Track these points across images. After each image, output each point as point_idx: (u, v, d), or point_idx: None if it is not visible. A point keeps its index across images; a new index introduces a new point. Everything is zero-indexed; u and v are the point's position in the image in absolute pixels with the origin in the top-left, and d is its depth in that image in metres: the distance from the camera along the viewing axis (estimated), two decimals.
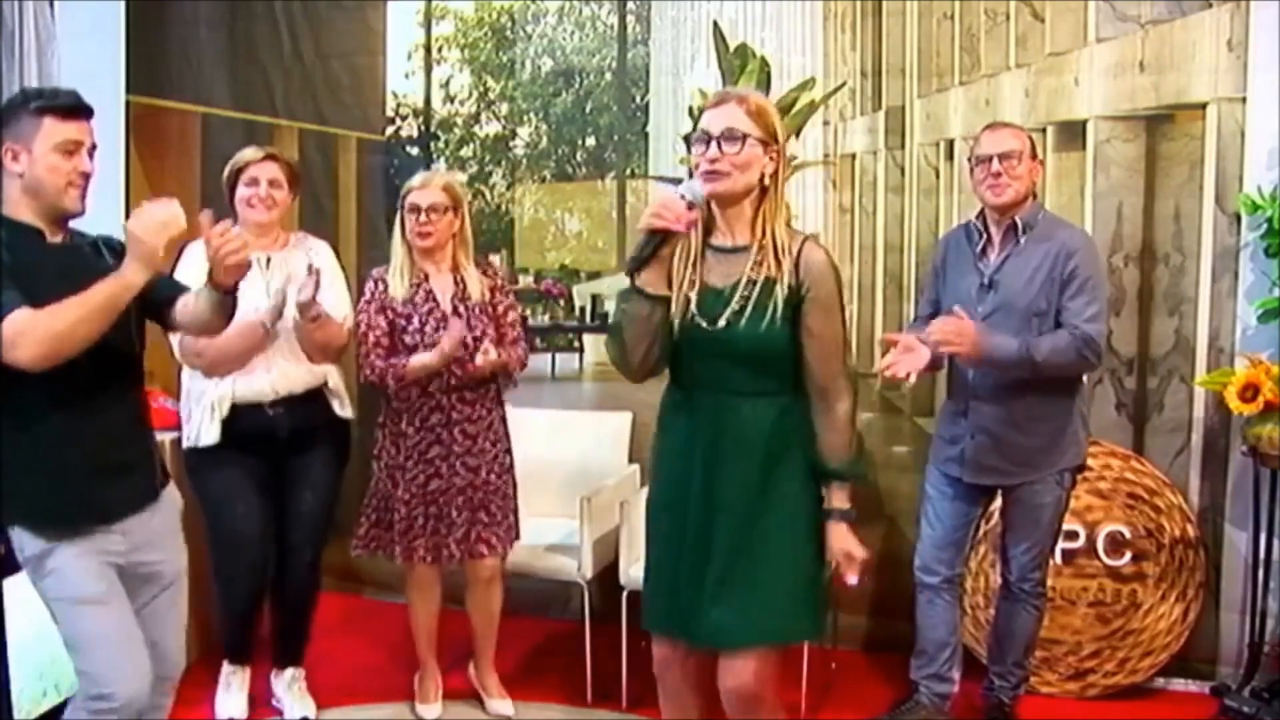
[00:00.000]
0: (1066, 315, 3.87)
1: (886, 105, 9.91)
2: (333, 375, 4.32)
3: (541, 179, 9.67)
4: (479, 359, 4.13)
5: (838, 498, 2.93)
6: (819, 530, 2.98)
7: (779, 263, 2.91)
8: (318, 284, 3.92)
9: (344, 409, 4.32)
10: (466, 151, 13.21)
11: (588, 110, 9.17)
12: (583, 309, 13.32)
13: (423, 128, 7.26)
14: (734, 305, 2.91)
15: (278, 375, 4.16)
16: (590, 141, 9.07)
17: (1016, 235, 4.02)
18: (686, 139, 3.27)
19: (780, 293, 2.91)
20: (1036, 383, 3.89)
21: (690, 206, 2.86)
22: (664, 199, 2.81)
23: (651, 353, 2.92)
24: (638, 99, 10.72)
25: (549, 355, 12.62)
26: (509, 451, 4.45)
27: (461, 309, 4.29)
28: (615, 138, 13.02)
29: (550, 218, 14.20)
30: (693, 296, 2.95)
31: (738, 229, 2.97)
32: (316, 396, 4.25)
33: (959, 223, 4.51)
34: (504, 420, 4.44)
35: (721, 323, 2.92)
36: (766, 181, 2.94)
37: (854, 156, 11.22)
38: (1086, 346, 3.83)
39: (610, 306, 12.91)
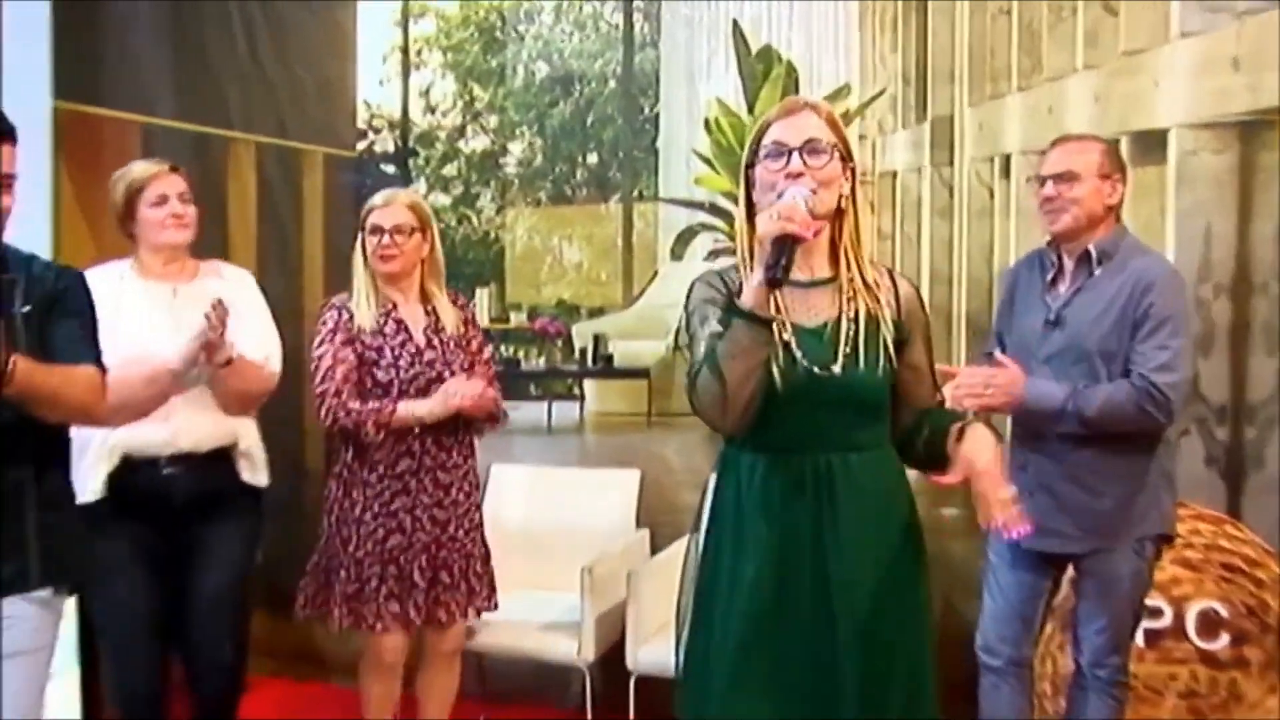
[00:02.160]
0: (1134, 361, 3.84)
1: (932, 115, 9.92)
2: (246, 433, 4.20)
3: (536, 202, 9.63)
4: (463, 391, 4.13)
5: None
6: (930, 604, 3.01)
7: (874, 297, 2.94)
8: (224, 319, 3.73)
9: (255, 474, 4.18)
10: (450, 170, 13.10)
11: (589, 123, 9.16)
12: (584, 351, 13.38)
13: (399, 142, 7.20)
14: (845, 348, 2.91)
15: (177, 428, 4.02)
16: (592, 158, 9.04)
17: (1090, 265, 3.98)
18: (749, 166, 3.20)
19: (886, 331, 2.93)
20: (1108, 435, 3.84)
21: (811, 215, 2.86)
22: (785, 203, 2.79)
23: (755, 397, 2.86)
24: (646, 109, 10.59)
25: (545, 404, 12.63)
26: (479, 508, 4.43)
27: (435, 342, 4.29)
28: (620, 154, 12.96)
29: (546, 246, 14.15)
30: (790, 338, 2.93)
31: (815, 259, 2.97)
32: (223, 457, 4.12)
33: (1021, 251, 4.46)
34: (477, 472, 4.42)
35: (837, 368, 2.91)
36: (844, 204, 2.95)
37: (895, 175, 11.21)
38: (1150, 400, 3.78)
39: (616, 347, 12.98)
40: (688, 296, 3.02)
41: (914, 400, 3.00)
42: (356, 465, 4.25)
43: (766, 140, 2.93)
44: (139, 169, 4.15)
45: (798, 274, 2.95)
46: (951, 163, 9.67)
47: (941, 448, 2.93)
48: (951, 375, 3.79)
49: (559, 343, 15.47)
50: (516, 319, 16.46)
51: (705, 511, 3.11)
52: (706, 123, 13.28)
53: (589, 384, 14.68)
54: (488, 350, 4.43)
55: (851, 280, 2.95)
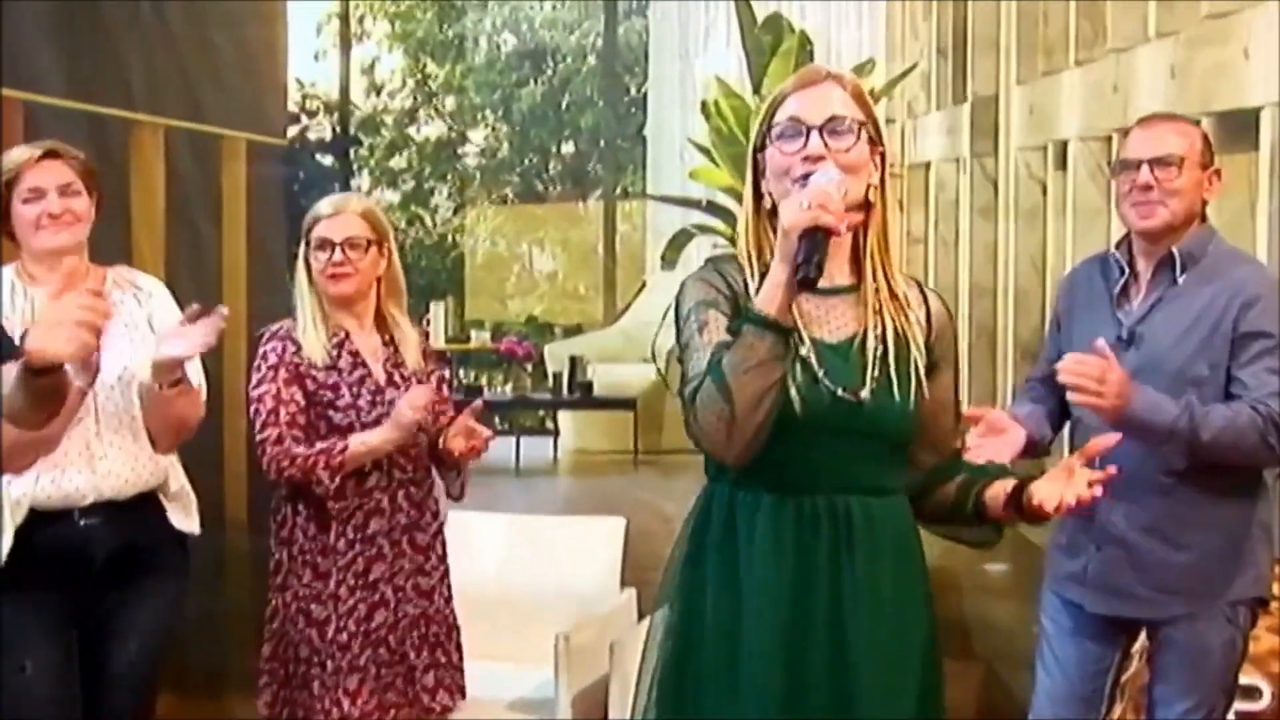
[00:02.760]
0: (1240, 388, 3.79)
1: (973, 95, 9.90)
2: (176, 473, 4.15)
3: (501, 199, 9.57)
4: (414, 402, 4.11)
5: None
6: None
7: (902, 312, 2.93)
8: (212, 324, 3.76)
9: (188, 520, 4.15)
10: (399, 161, 13.12)
11: (564, 106, 9.12)
12: (558, 377, 13.37)
13: (338, 128, 7.19)
14: (874, 370, 2.90)
15: (105, 473, 4.00)
16: (567, 148, 9.02)
17: (1173, 272, 3.95)
18: (759, 148, 3.20)
19: (918, 354, 2.92)
20: (1194, 474, 3.82)
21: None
22: (818, 189, 2.78)
23: (769, 421, 2.83)
24: (632, 90, 10.54)
25: (512, 440, 12.63)
26: (449, 570, 4.41)
27: (398, 377, 4.27)
28: (601, 143, 12.99)
29: (513, 252, 14.12)
30: (809, 353, 2.91)
31: (835, 262, 2.92)
32: (149, 503, 4.05)
33: (1080, 258, 4.43)
34: (443, 527, 4.40)
35: (865, 393, 2.89)
36: (872, 195, 2.92)
37: (928, 166, 11.17)
38: (1275, 431, 3.76)
39: (597, 373, 12.97)
40: (678, 297, 2.96)
41: (931, 441, 2.99)
42: (316, 529, 4.20)
43: (780, 117, 2.90)
44: (12, 155, 4.06)
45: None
46: (996, 152, 9.63)
47: (972, 500, 2.96)
48: (975, 419, 3.73)
49: (528, 367, 15.44)
50: (478, 338, 16.36)
51: (679, 567, 3.07)
52: (704, 105, 13.18)
53: (564, 416, 14.42)
54: (445, 386, 4.40)
55: (878, 290, 2.94)
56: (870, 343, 2.90)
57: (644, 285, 15.81)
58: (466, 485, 4.41)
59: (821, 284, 2.85)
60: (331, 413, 4.17)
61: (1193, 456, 3.82)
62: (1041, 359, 4.29)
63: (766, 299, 2.77)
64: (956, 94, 10.24)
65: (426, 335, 4.56)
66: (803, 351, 2.88)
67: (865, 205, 2.91)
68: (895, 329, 2.91)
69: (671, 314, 2.97)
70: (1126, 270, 4.06)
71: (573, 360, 12.92)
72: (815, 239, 2.74)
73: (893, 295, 2.93)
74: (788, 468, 2.91)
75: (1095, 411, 3.79)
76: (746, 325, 2.76)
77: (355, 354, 4.24)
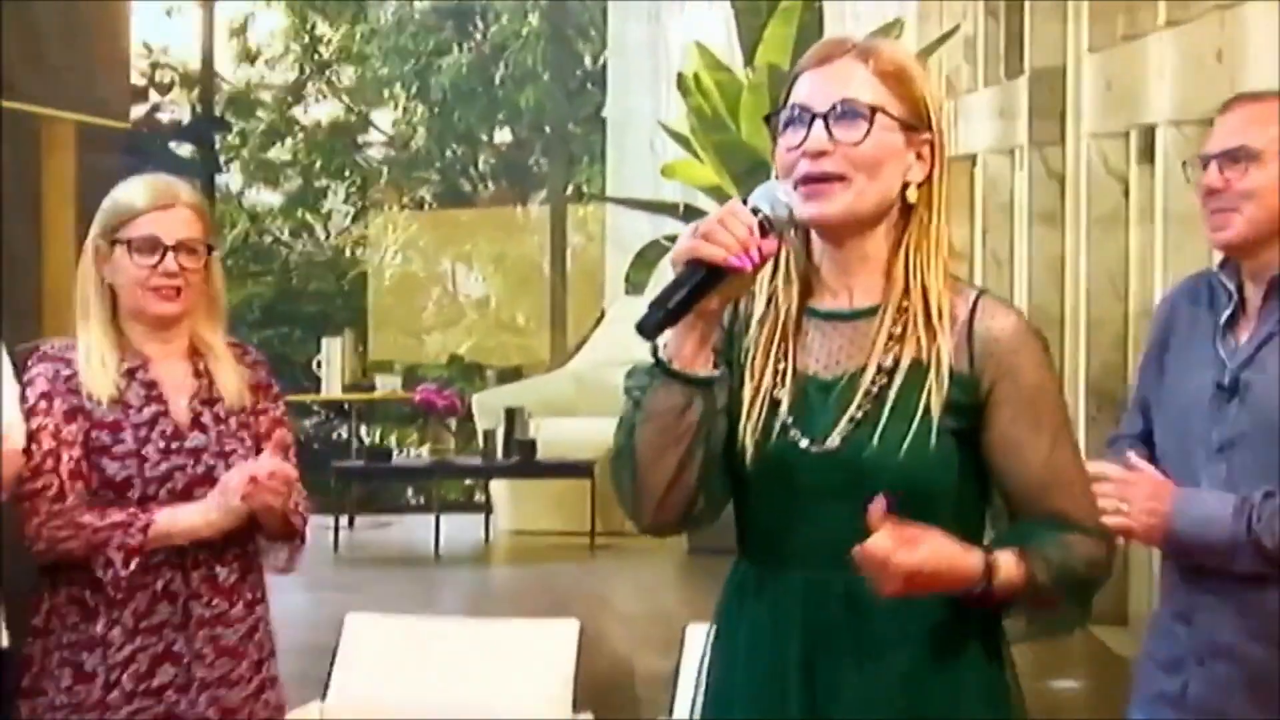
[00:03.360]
0: None
1: (1032, 67, 9.93)
2: None
3: (416, 203, 9.49)
4: (256, 471, 4.08)
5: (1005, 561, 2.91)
6: None
7: (932, 334, 2.94)
8: None
9: None
10: (280, 151, 13.15)
11: (498, 80, 9.07)
12: (490, 435, 13.33)
13: (199, 107, 7.17)
14: (854, 409, 2.93)
15: None
16: (503, 136, 8.95)
17: None
18: (768, 119, 3.31)
19: (935, 385, 2.94)
20: None
21: (766, 229, 2.86)
22: (726, 210, 2.83)
23: (683, 482, 2.93)
24: (587, 60, 10.52)
25: (430, 518, 12.57)
26: (277, 681, 4.36)
27: (206, 418, 4.27)
28: (547, 129, 13.04)
29: (432, 271, 14.17)
30: (783, 396, 2.97)
31: (860, 280, 3.00)
32: None
33: (1176, 277, 4.45)
34: (269, 624, 4.36)
35: (834, 440, 2.92)
36: (911, 195, 2.97)
37: (973, 160, 11.21)
38: None
39: (543, 430, 12.93)
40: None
41: (1014, 494, 3.00)
42: (79, 618, 4.18)
43: (791, 101, 2.97)
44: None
45: (830, 300, 3.01)
46: (1063, 140, 9.65)
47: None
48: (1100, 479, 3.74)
49: (452, 423, 15.36)
50: (385, 385, 16.29)
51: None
52: (681, 80, 13.14)
53: (499, 487, 14.20)
54: (283, 432, 4.35)
55: (905, 310, 2.97)
56: (867, 376, 2.94)
57: (603, 315, 15.80)
58: (297, 556, 4.39)
59: (838, 305, 2.97)
60: (105, 461, 4.16)
61: (1274, 568, 3.84)
62: (1130, 410, 4.29)
63: (672, 340, 2.87)
64: (1011, 65, 10.26)
65: (257, 364, 4.52)
66: (777, 394, 2.97)
67: (904, 208, 2.97)
68: (913, 358, 2.95)
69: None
70: (1235, 295, 4.07)
71: (510, 413, 12.89)
72: (693, 275, 2.80)
73: (926, 316, 2.96)
74: (778, 537, 3.00)
75: (1128, 537, 3.83)
76: (648, 370, 2.90)
77: (151, 386, 4.24)
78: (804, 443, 2.94)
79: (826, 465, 2.93)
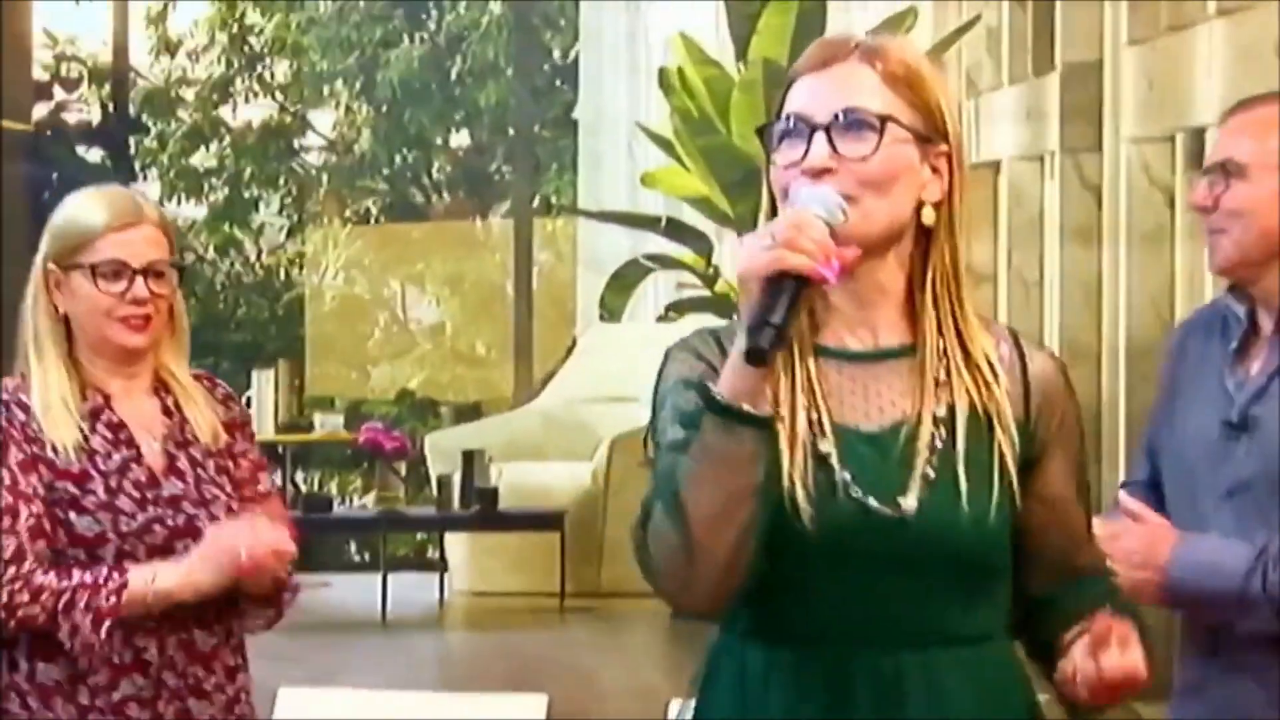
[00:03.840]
0: None
1: (1063, 62, 9.99)
2: None
3: (362, 216, 9.51)
4: (260, 540, 4.08)
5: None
6: None
7: (982, 380, 2.97)
8: None
9: None
10: (204, 157, 13.16)
11: (454, 76, 9.09)
12: (445, 481, 13.35)
13: (111, 105, 7.20)
14: (925, 467, 2.93)
15: None
16: (459, 140, 8.96)
17: None
18: (760, 131, 3.29)
19: (1005, 440, 2.96)
20: None
21: (833, 236, 2.85)
22: (795, 215, 2.82)
23: (748, 548, 2.88)
24: (556, 53, 10.59)
25: (377, 578, 12.56)
26: None
27: (183, 462, 4.27)
28: (511, 132, 13.10)
29: (379, 294, 14.24)
30: (829, 449, 2.97)
31: (881, 314, 3.01)
32: None
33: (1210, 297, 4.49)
34: (251, 699, 4.38)
35: (909, 501, 2.92)
36: (927, 217, 2.97)
37: (996, 168, 11.26)
38: None
39: (505, 475, 12.93)
40: (659, 375, 3.03)
41: (1044, 562, 3.02)
42: (39, 695, 4.18)
43: (787, 109, 2.97)
44: None
45: (842, 338, 3.01)
46: (1099, 146, 9.68)
47: (1055, 638, 2.97)
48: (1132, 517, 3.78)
49: (402, 467, 15.30)
50: (326, 425, 16.25)
51: None
52: (663, 76, 13.18)
53: (457, 542, 14.20)
54: (266, 478, 4.37)
55: (944, 351, 2.98)
56: (924, 429, 2.93)
57: (574, 344, 15.82)
58: (286, 607, 4.40)
59: (860, 346, 2.97)
60: (74, 516, 4.14)
61: None
62: (1139, 453, 4.37)
63: (727, 378, 2.82)
64: (1040, 61, 10.29)
65: (229, 399, 4.54)
66: (822, 446, 2.93)
67: (921, 232, 2.97)
68: (970, 406, 2.95)
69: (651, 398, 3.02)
70: (1245, 322, 4.13)
71: (468, 457, 12.89)
72: (782, 289, 2.77)
73: (967, 356, 2.97)
74: (809, 612, 2.95)
75: (1135, 596, 3.89)
76: (704, 415, 2.82)
77: (118, 428, 4.23)
78: (872, 503, 2.93)
79: (900, 530, 2.93)
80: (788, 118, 2.94)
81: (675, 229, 12.37)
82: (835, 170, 2.88)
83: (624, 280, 12.79)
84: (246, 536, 4.15)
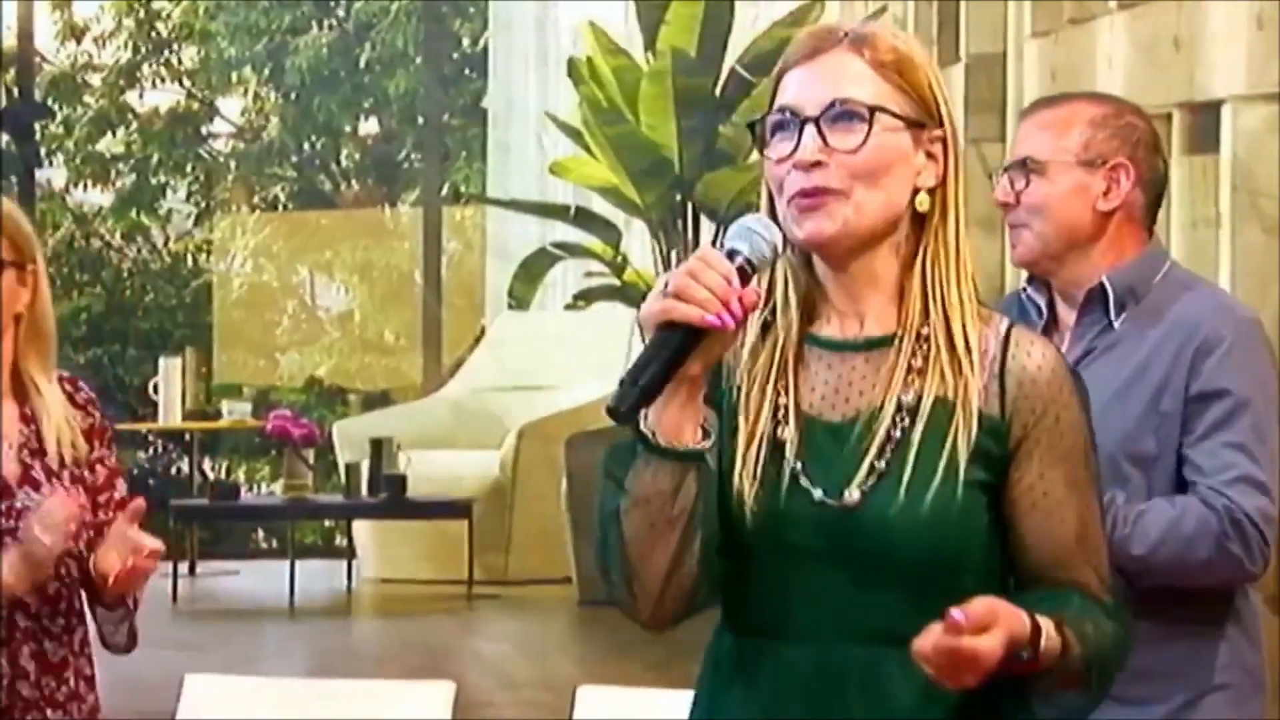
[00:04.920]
0: (1194, 471, 3.95)
1: (967, 53, 10.06)
2: None
3: (270, 203, 9.49)
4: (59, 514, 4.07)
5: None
6: None
7: (957, 368, 2.94)
8: None
9: None
10: (111, 143, 13.19)
11: (363, 63, 9.09)
12: (353, 469, 13.36)
13: (16, 90, 7.20)
14: (875, 458, 2.91)
15: None
16: (368, 127, 8.96)
17: (1104, 314, 4.12)
18: (752, 126, 3.26)
19: (964, 432, 2.92)
20: (1141, 604, 3.75)
21: (747, 274, 2.82)
22: (697, 259, 2.79)
23: (683, 571, 2.89)
24: (466, 41, 10.61)
25: (284, 565, 12.56)
26: None
27: (37, 471, 4.24)
28: (420, 120, 13.16)
29: (286, 282, 14.26)
30: (788, 438, 2.96)
31: (871, 304, 2.99)
32: None
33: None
34: (99, 703, 4.34)
35: (853, 493, 2.90)
36: (922, 204, 2.97)
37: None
38: (1238, 534, 3.90)
39: (414, 463, 12.92)
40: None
41: (1031, 562, 2.99)
42: None
43: (777, 103, 2.96)
44: None
45: (835, 329, 3.01)
46: (1003, 137, 9.73)
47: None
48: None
49: (309, 455, 15.21)
50: (232, 412, 16.14)
51: None
52: (572, 65, 13.17)
53: (363, 529, 14.10)
54: (119, 484, 4.35)
55: (925, 339, 2.97)
56: (884, 419, 2.92)
57: (483, 333, 15.81)
58: (136, 630, 4.38)
59: (847, 336, 2.96)
60: None
61: (1129, 581, 3.89)
62: None
63: (653, 409, 2.82)
64: (945, 52, 10.35)
65: (90, 404, 4.51)
66: (781, 435, 2.94)
67: (916, 218, 2.97)
68: (938, 395, 2.92)
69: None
70: (1045, 312, 4.20)
71: (376, 445, 12.87)
72: (669, 341, 2.77)
73: (950, 346, 2.95)
74: (759, 604, 2.96)
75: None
76: (629, 449, 2.83)
77: None
78: (817, 494, 2.91)
79: (844, 523, 2.91)
80: (779, 110, 2.93)
81: (584, 218, 12.37)
82: (826, 163, 2.88)
83: (533, 269, 12.79)
84: (48, 514, 4.09)
